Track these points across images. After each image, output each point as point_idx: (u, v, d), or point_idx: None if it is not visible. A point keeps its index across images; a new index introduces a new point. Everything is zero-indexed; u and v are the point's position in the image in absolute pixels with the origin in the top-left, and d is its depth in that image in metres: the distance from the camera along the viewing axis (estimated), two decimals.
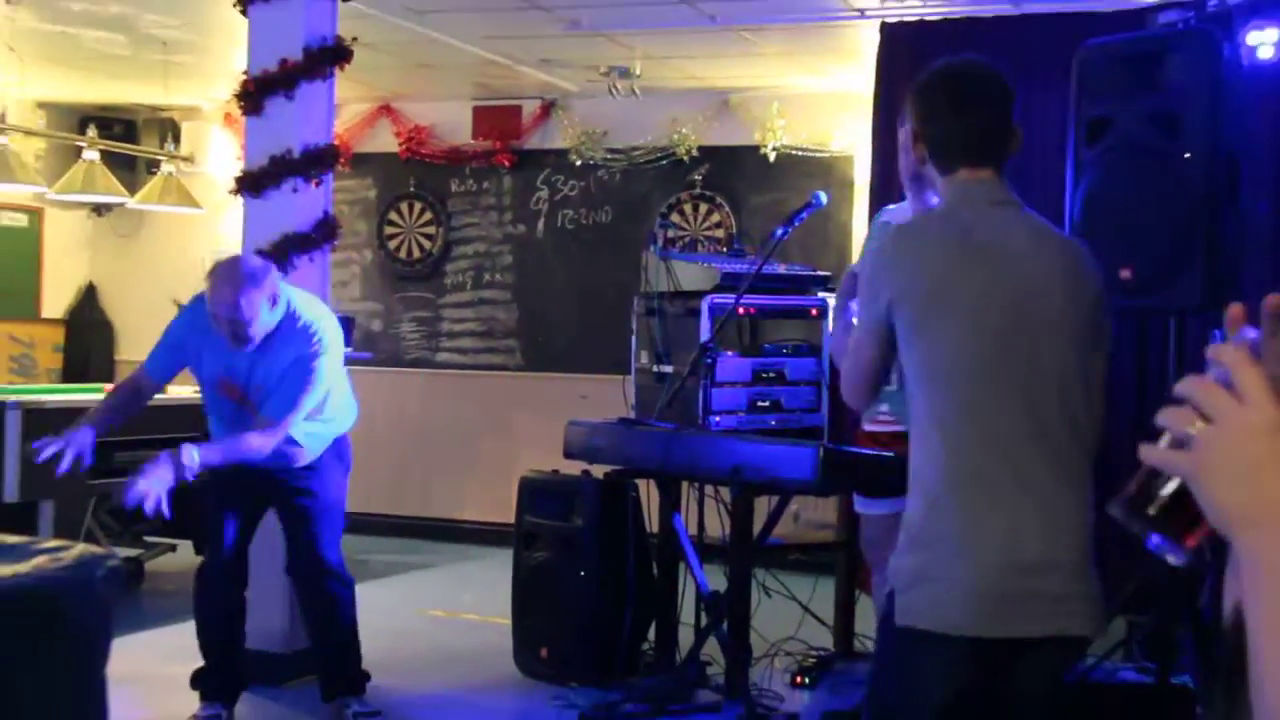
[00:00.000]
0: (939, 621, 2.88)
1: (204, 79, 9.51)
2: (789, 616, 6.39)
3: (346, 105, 9.87)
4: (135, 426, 7.16)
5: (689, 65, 8.87)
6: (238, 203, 6.30)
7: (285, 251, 5.99)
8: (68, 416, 6.81)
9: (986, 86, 3.09)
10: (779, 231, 5.61)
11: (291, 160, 6.06)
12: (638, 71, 8.79)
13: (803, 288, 6.37)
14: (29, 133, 9.53)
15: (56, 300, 11.00)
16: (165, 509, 4.67)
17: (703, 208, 9.72)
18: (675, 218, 9.57)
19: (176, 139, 10.50)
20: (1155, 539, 1.21)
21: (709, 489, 6.15)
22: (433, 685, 6.21)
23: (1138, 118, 4.78)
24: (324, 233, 6.15)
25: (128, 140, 10.59)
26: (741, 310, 5.95)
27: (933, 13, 7.42)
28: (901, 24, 7.45)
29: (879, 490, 4.66)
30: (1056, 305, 2.94)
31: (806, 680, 6.18)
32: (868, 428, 4.91)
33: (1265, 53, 6.18)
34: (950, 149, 3.05)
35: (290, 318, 5.13)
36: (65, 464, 4.86)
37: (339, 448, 5.49)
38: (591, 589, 6.12)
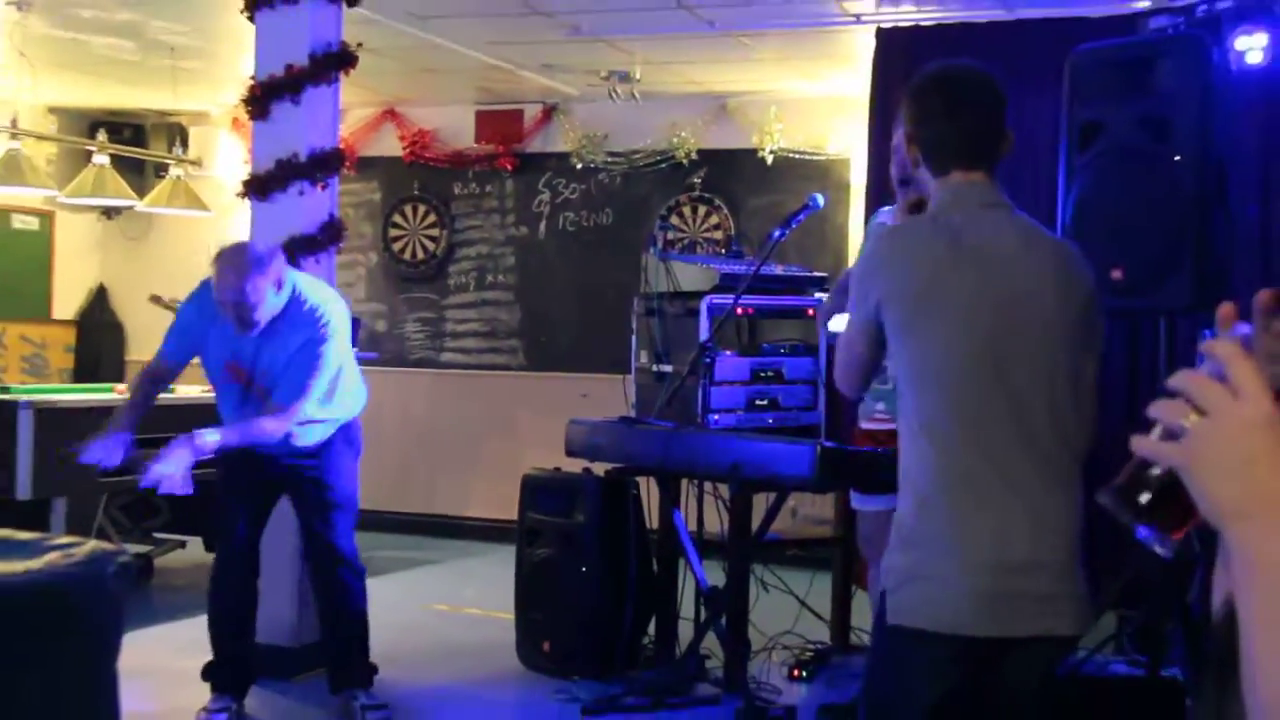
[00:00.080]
0: (930, 620, 2.87)
1: (212, 84, 9.51)
2: (786, 611, 6.39)
3: (351, 110, 9.87)
4: (144, 425, 7.20)
5: (688, 70, 8.87)
6: (245, 205, 6.30)
7: (292, 253, 5.98)
8: (79, 416, 6.85)
9: (979, 90, 3.08)
10: (776, 233, 5.61)
11: (298, 164, 6.06)
12: (638, 76, 8.79)
13: (800, 288, 6.37)
14: (40, 137, 9.53)
15: (68, 302, 11.00)
16: (188, 486, 4.77)
17: (701, 210, 9.72)
18: (675, 220, 9.58)
19: (185, 143, 10.52)
20: (1143, 530, 1.21)
21: (708, 486, 6.15)
22: (437, 678, 6.22)
23: (1129, 122, 4.78)
24: (329, 235, 6.15)
25: (137, 144, 10.59)
26: (740, 310, 5.95)
27: (927, 18, 7.43)
28: (896, 29, 7.45)
29: (875, 487, 4.66)
30: (1047, 307, 2.93)
31: (804, 673, 6.18)
32: (865, 426, 4.92)
33: (1253, 58, 6.18)
34: (943, 151, 3.04)
35: (296, 301, 5.13)
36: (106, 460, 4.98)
37: (349, 433, 5.46)
38: (593, 584, 6.12)
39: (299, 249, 6.01)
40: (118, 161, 9.29)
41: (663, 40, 8.07)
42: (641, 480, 6.25)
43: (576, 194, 10.05)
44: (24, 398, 6.70)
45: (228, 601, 5.47)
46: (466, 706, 5.88)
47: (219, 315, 5.08)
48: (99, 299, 11.17)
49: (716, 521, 6.06)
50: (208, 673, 5.49)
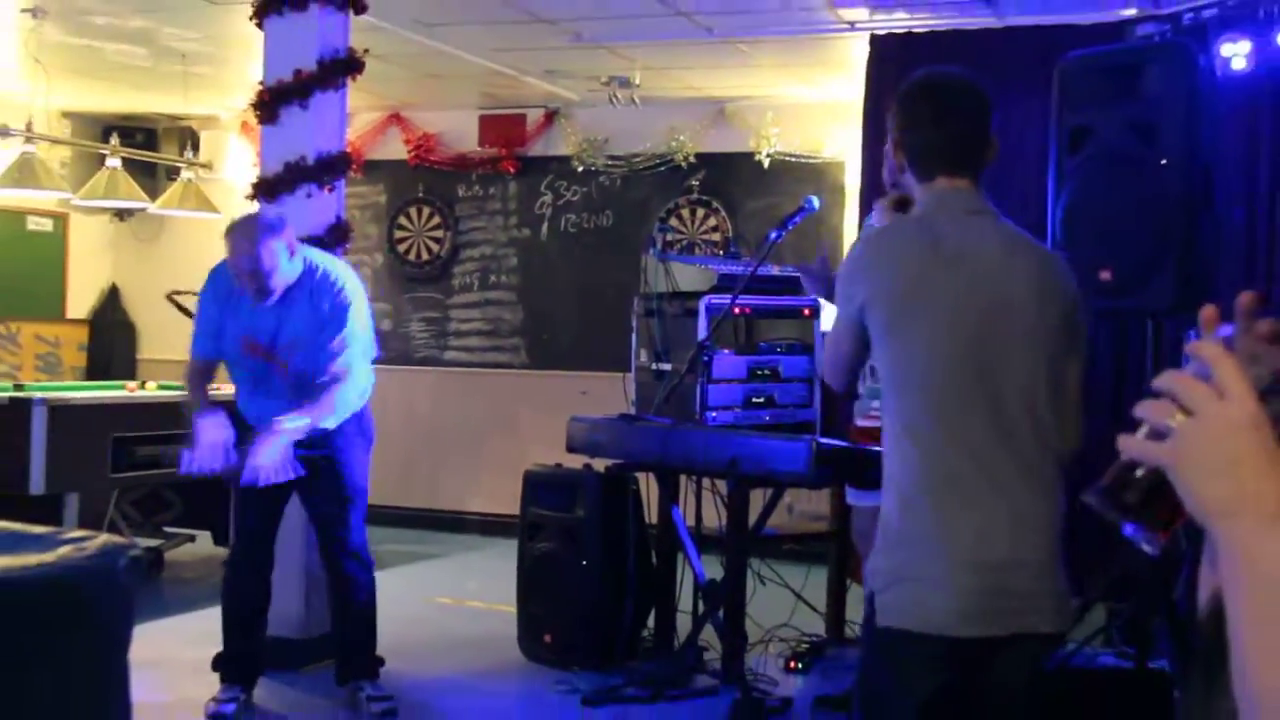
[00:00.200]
0: (918, 621, 2.85)
1: (222, 89, 9.51)
2: (783, 604, 6.39)
3: (358, 114, 9.86)
4: (154, 423, 7.21)
5: (687, 76, 8.87)
6: (254, 208, 6.29)
7: None
8: (91, 413, 6.87)
9: (966, 97, 3.05)
10: (773, 235, 5.61)
11: (305, 167, 6.06)
12: (637, 81, 8.79)
13: (796, 289, 6.37)
14: (54, 141, 9.53)
15: (81, 301, 11.00)
16: (297, 469, 4.93)
17: (700, 212, 9.72)
18: (674, 222, 9.58)
19: (195, 147, 10.52)
20: (1130, 528, 1.21)
21: (706, 482, 6.15)
22: (441, 670, 6.21)
23: (1117, 126, 4.78)
24: (336, 236, 6.15)
25: (149, 148, 10.59)
26: (737, 310, 5.95)
27: (920, 25, 7.42)
28: (890, 36, 7.44)
29: (870, 483, 4.64)
30: (1028, 312, 2.91)
31: (799, 665, 6.18)
32: (860, 423, 4.92)
33: (1238, 64, 6.19)
34: (929, 157, 3.02)
35: (310, 270, 5.14)
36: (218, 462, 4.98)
37: (362, 422, 5.40)
38: (593, 578, 6.12)
39: None
40: (130, 165, 9.30)
41: (662, 47, 8.07)
42: (641, 476, 6.25)
43: (578, 196, 10.04)
44: (38, 395, 6.71)
45: (241, 597, 5.46)
46: (469, 697, 5.87)
47: (233, 293, 5.07)
48: (111, 299, 11.17)
49: (714, 517, 6.05)
50: (217, 664, 5.48)
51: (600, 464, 6.28)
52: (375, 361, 5.38)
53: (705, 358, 5.80)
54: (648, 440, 5.87)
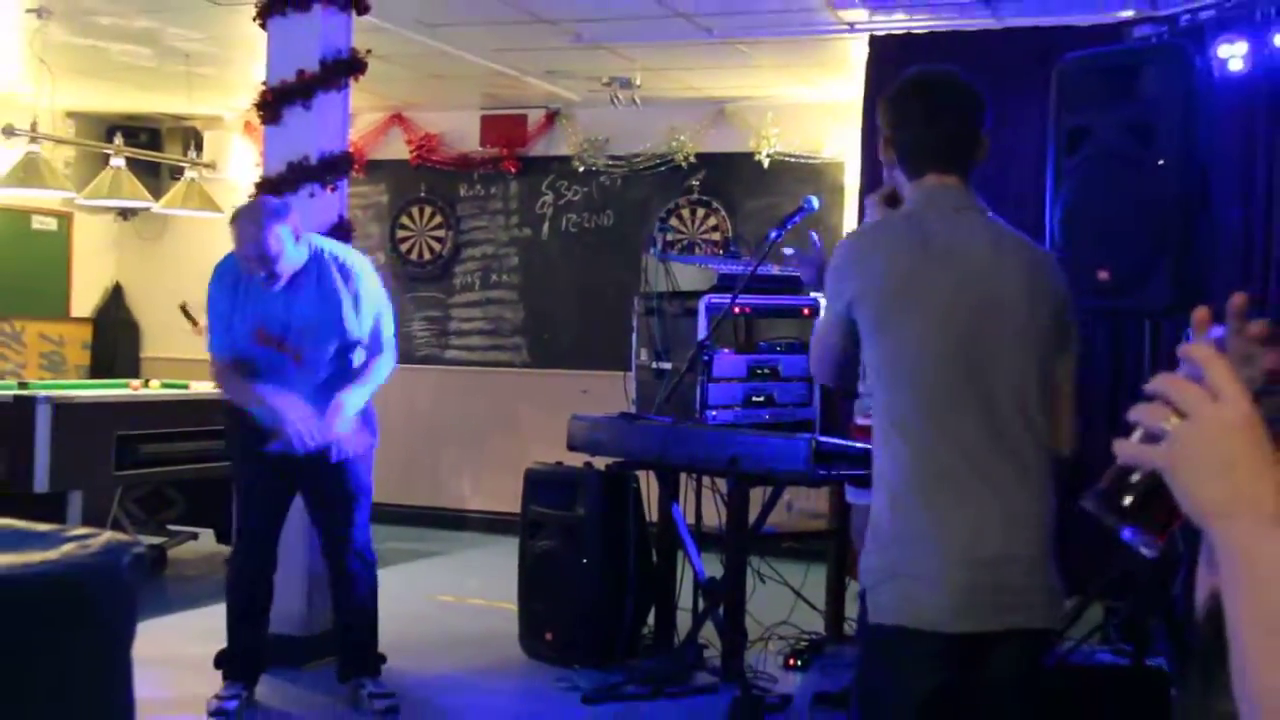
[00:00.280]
0: (911, 618, 2.84)
1: (225, 90, 9.51)
2: (782, 602, 6.39)
3: (360, 114, 9.86)
4: (157, 421, 7.21)
5: (687, 76, 8.86)
6: None
7: None
8: (96, 411, 6.87)
9: (956, 95, 3.04)
10: (773, 234, 5.61)
11: (308, 167, 6.05)
12: (638, 82, 8.79)
13: (795, 288, 6.37)
14: (59, 141, 9.52)
15: (85, 300, 11.00)
16: (371, 436, 5.20)
17: (700, 212, 9.71)
18: (674, 221, 9.57)
19: (199, 147, 10.51)
20: (1128, 531, 1.20)
21: (706, 480, 6.14)
22: (442, 667, 6.21)
23: (1114, 127, 4.78)
24: (339, 236, 6.12)
25: (153, 148, 10.58)
26: (737, 309, 5.95)
27: (919, 26, 7.42)
28: (889, 37, 7.44)
29: (869, 481, 4.65)
30: (1017, 309, 2.90)
31: (799, 662, 6.18)
32: (860, 421, 4.92)
33: (1235, 65, 6.18)
34: (919, 154, 3.01)
35: (316, 255, 5.15)
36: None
37: (368, 418, 5.40)
38: (594, 576, 6.12)
39: None
40: (134, 164, 9.29)
41: (662, 47, 8.07)
42: (641, 474, 6.24)
43: (579, 196, 10.04)
44: (42, 393, 6.71)
45: (244, 594, 5.45)
46: (470, 695, 5.87)
47: (240, 284, 5.05)
48: (115, 298, 11.17)
49: (714, 515, 6.05)
50: (220, 661, 5.48)
51: (601, 462, 6.28)
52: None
53: (705, 357, 5.80)
54: (648, 439, 5.87)
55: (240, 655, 5.45)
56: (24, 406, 6.49)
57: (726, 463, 5.50)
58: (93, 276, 11.02)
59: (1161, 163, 4.66)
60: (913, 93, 3.06)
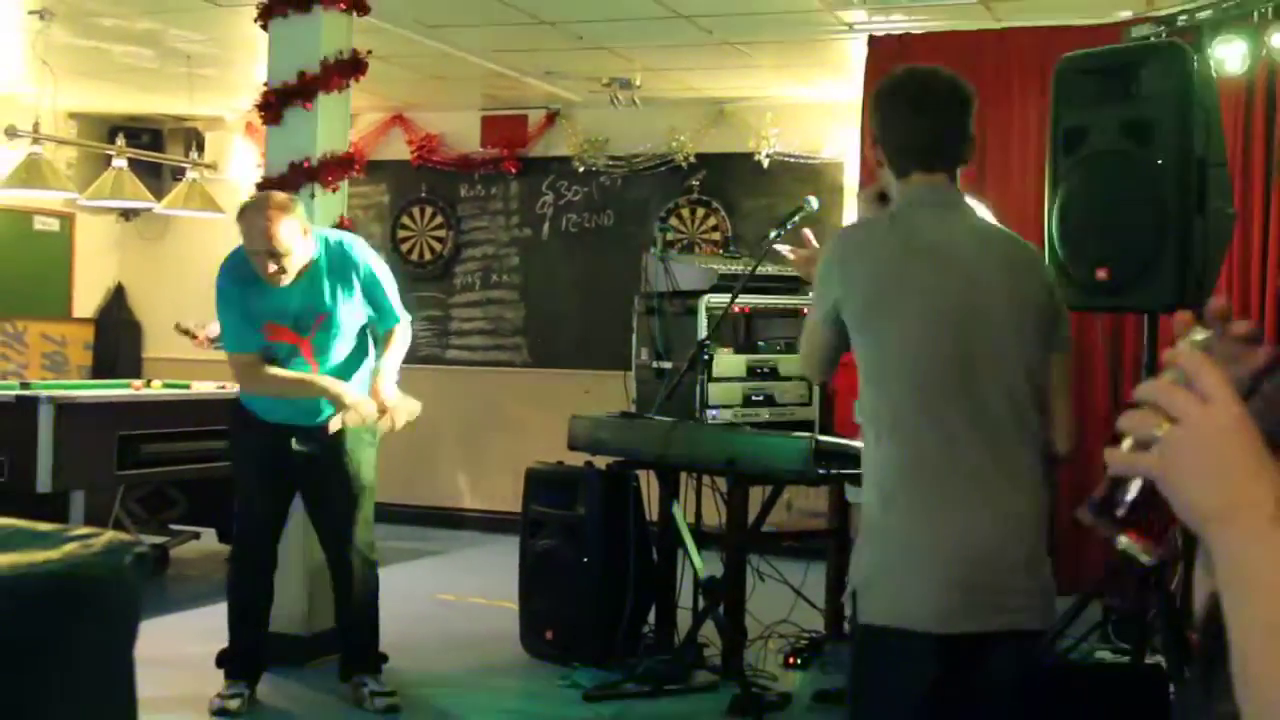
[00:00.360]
0: (899, 617, 2.83)
1: (227, 91, 9.51)
2: (782, 600, 6.38)
3: (361, 115, 9.86)
4: (159, 421, 7.21)
5: (687, 77, 8.86)
6: None
7: None
8: (97, 411, 6.86)
9: (941, 93, 3.01)
10: (772, 234, 5.60)
11: (309, 167, 6.06)
12: (638, 82, 8.79)
13: (795, 288, 6.36)
14: (61, 142, 9.52)
15: (87, 301, 11.00)
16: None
17: (700, 212, 9.71)
18: (674, 221, 9.57)
19: (200, 147, 10.51)
20: (1124, 540, 1.19)
21: (706, 479, 6.13)
22: (443, 666, 6.21)
23: (1112, 126, 4.77)
24: None
25: (154, 149, 10.58)
26: (737, 309, 5.95)
27: (918, 27, 7.42)
28: (888, 37, 7.44)
29: None
30: (1002, 307, 2.88)
31: (799, 661, 6.18)
32: (860, 421, 4.91)
33: (1232, 65, 6.18)
34: (905, 154, 2.99)
35: (325, 245, 5.15)
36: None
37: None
38: (594, 574, 6.11)
39: None
40: (136, 165, 9.28)
41: (662, 48, 8.07)
42: (641, 473, 6.24)
43: (579, 196, 10.04)
44: (44, 393, 6.70)
45: (245, 595, 5.45)
46: (471, 693, 5.87)
47: (248, 282, 5.02)
48: (117, 298, 11.17)
49: (714, 514, 6.05)
50: (221, 660, 5.48)
51: (601, 461, 6.28)
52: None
53: (705, 356, 5.80)
54: (648, 438, 5.86)
55: (241, 654, 5.45)
56: (26, 407, 6.49)
57: (726, 462, 5.50)
58: (95, 277, 11.02)
59: (1159, 162, 4.66)
60: (898, 92, 3.04)
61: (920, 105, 2.99)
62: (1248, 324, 1.24)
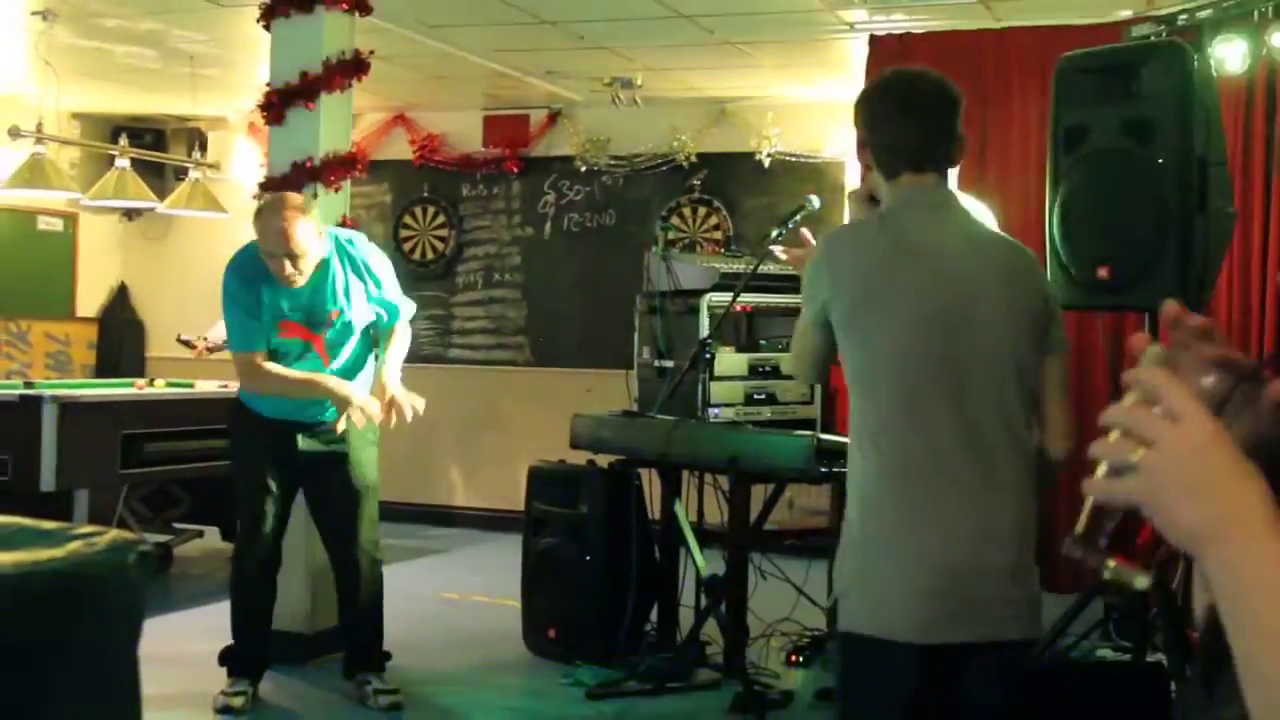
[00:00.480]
0: (878, 627, 2.79)
1: (229, 91, 9.51)
2: (784, 598, 6.38)
3: (364, 115, 9.87)
4: (163, 420, 7.21)
5: (688, 76, 8.86)
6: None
7: None
8: (101, 410, 6.86)
9: (929, 94, 2.96)
10: (774, 233, 5.60)
11: (312, 167, 6.06)
12: (639, 82, 8.79)
13: (796, 287, 6.33)
14: (64, 142, 9.52)
15: (90, 300, 11.00)
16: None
17: (701, 211, 9.71)
18: (675, 220, 9.57)
19: (203, 147, 10.52)
20: (1114, 567, 1.16)
21: (708, 477, 6.14)
22: (446, 664, 6.21)
23: (1113, 125, 4.77)
24: None
25: (157, 149, 10.58)
26: (738, 308, 5.95)
27: (918, 26, 7.42)
28: (889, 37, 7.44)
29: None
30: (992, 309, 2.84)
31: (801, 659, 6.18)
32: None
33: (1233, 64, 6.18)
34: (893, 155, 2.95)
35: (336, 242, 5.16)
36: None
37: None
38: (597, 573, 6.11)
39: None
40: (139, 165, 9.29)
41: (664, 48, 8.07)
42: (644, 472, 6.24)
43: (580, 195, 10.04)
44: (48, 392, 6.71)
45: (248, 595, 5.44)
46: (474, 691, 5.86)
47: (260, 275, 5.02)
48: (120, 297, 11.18)
49: (716, 512, 6.05)
50: (225, 658, 5.48)
51: (604, 460, 6.28)
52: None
53: (707, 355, 5.79)
54: (650, 436, 5.86)
55: (245, 653, 5.45)
56: (30, 406, 6.49)
57: (728, 460, 5.49)
58: (98, 276, 11.02)
59: (1160, 161, 4.66)
60: (885, 93, 3.00)
61: (909, 106, 2.95)
62: (1202, 319, 1.23)
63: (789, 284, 6.31)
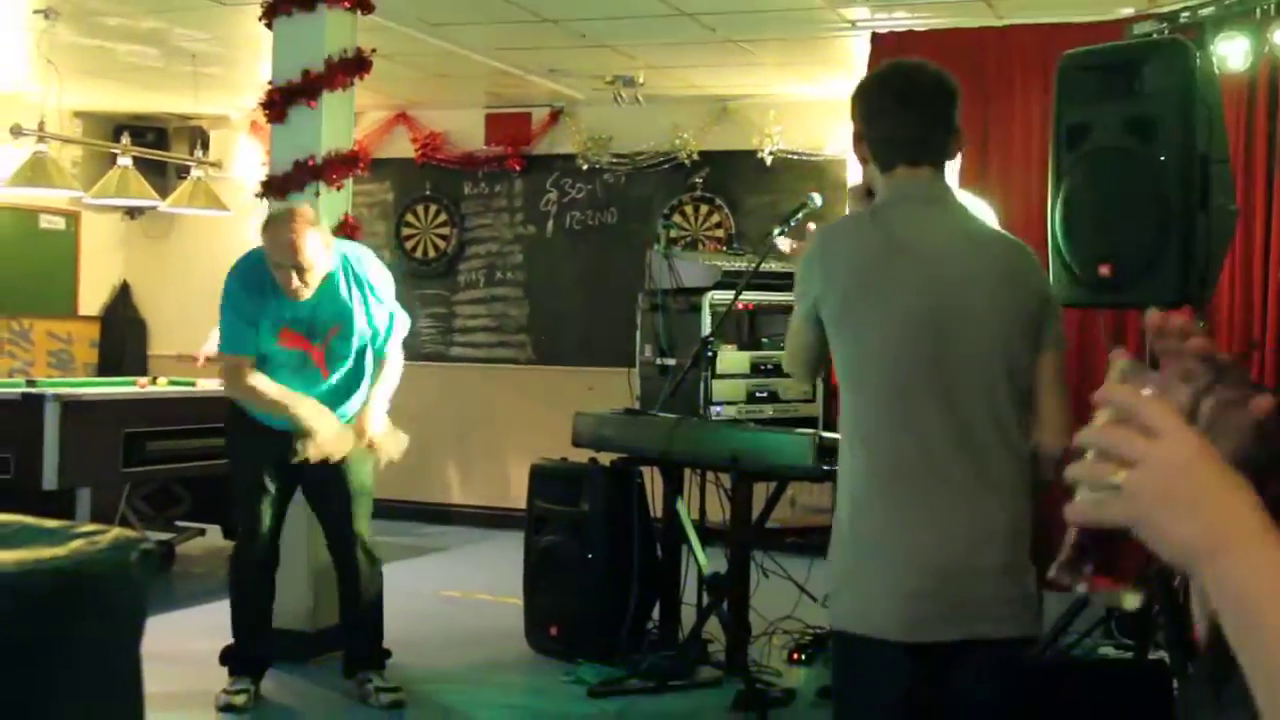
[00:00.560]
0: (869, 626, 2.78)
1: (231, 89, 9.51)
2: (786, 596, 6.38)
3: (365, 113, 9.87)
4: (165, 418, 7.21)
5: (690, 74, 8.86)
6: (263, 206, 6.29)
7: None
8: (103, 408, 6.87)
9: (925, 87, 2.93)
10: (776, 231, 5.60)
11: (314, 165, 6.06)
12: (641, 80, 8.79)
13: None
14: (66, 141, 9.53)
15: (92, 298, 11.01)
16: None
17: (703, 209, 9.71)
18: (677, 218, 9.57)
19: (205, 146, 10.52)
20: (1103, 592, 1.15)
21: (710, 475, 6.14)
22: (447, 662, 6.21)
23: (1115, 123, 4.76)
24: (344, 234, 6.14)
25: (159, 147, 10.59)
26: (740, 306, 5.95)
27: (920, 24, 7.42)
28: (891, 34, 7.43)
29: None
30: (985, 305, 2.81)
31: (803, 657, 6.18)
32: None
33: (1234, 61, 6.17)
34: (888, 149, 2.92)
35: (343, 256, 5.15)
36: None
37: None
38: (599, 570, 6.11)
39: None
40: (140, 163, 9.30)
41: (666, 46, 8.07)
42: (646, 470, 6.24)
43: (582, 194, 10.04)
44: (50, 391, 6.72)
45: (247, 594, 5.45)
46: (476, 689, 5.87)
47: (264, 282, 5.01)
48: (122, 296, 11.18)
49: (718, 510, 6.05)
50: (226, 656, 5.48)
51: (605, 458, 6.28)
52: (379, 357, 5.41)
53: (709, 353, 5.80)
54: (652, 434, 5.86)
55: (246, 652, 5.45)
56: (32, 404, 6.50)
57: (730, 458, 5.50)
58: (100, 275, 11.02)
59: (1162, 158, 4.66)
60: (882, 86, 2.98)
61: (906, 98, 2.92)
62: (1183, 318, 1.21)
63: (791, 282, 6.32)
